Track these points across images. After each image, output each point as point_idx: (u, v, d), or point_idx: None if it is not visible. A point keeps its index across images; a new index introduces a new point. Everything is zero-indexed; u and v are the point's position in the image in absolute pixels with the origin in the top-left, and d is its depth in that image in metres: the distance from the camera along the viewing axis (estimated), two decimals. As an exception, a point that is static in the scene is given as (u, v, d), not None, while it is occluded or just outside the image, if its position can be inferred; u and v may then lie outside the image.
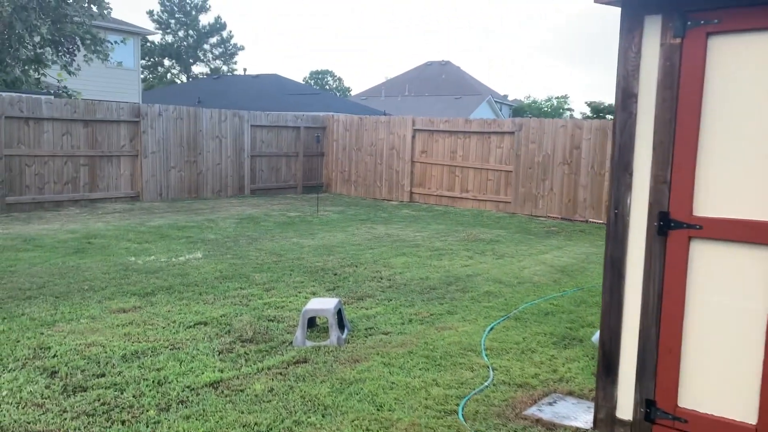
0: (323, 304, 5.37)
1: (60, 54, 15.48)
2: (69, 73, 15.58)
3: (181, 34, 56.65)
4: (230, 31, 62.54)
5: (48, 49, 15.34)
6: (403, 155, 16.07)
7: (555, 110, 68.75)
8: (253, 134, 15.72)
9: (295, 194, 16.75)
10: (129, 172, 13.39)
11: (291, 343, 5.15)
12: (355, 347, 5.10)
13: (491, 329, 5.69)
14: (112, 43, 16.40)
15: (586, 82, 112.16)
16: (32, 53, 14.70)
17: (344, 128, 17.21)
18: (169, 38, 56.37)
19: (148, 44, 55.53)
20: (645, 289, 3.34)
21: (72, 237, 9.55)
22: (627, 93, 3.35)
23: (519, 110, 63.84)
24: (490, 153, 14.72)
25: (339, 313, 5.49)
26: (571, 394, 4.31)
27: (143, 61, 55.76)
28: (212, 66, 58.35)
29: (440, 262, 8.68)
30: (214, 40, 58.07)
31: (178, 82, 54.53)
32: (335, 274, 7.73)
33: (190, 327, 5.51)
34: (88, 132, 12.62)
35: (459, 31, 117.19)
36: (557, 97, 74.32)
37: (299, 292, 6.83)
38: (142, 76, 56.29)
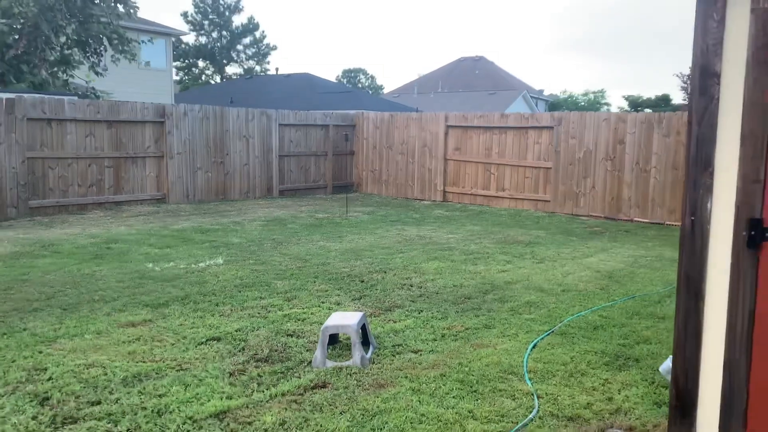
0: (345, 320, 4.83)
1: (87, 54, 15.29)
2: (96, 73, 15.39)
3: (214, 35, 56.91)
4: (263, 31, 62.34)
5: (75, 49, 15.16)
6: (436, 153, 15.46)
7: (592, 105, 67.14)
8: (281, 133, 15.31)
9: (325, 195, 16.29)
10: (154, 174, 13.09)
11: (310, 363, 4.63)
12: (380, 369, 4.55)
13: (534, 346, 5.08)
14: (139, 43, 16.14)
15: (622, 76, 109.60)
16: (59, 54, 14.53)
17: (374, 126, 16.68)
18: (203, 39, 56.70)
19: (183, 46, 55.93)
20: (731, 314, 2.71)
21: (92, 242, 9.22)
22: (706, 73, 2.72)
23: (555, 105, 62.46)
24: (528, 149, 14.02)
25: (363, 328, 4.96)
26: (631, 430, 3.68)
27: (178, 63, 56.21)
28: (245, 66, 58.49)
29: (476, 267, 8.08)
30: (247, 40, 58.17)
31: (212, 83, 54.77)
32: (362, 281, 7.20)
33: (202, 344, 5.03)
34: (112, 133, 12.35)
35: (493, 26, 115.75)
36: (593, 92, 72.64)
37: (322, 302, 6.31)
38: (177, 78, 56.85)
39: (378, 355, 4.84)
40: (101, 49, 15.23)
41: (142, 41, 16.33)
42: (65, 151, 11.72)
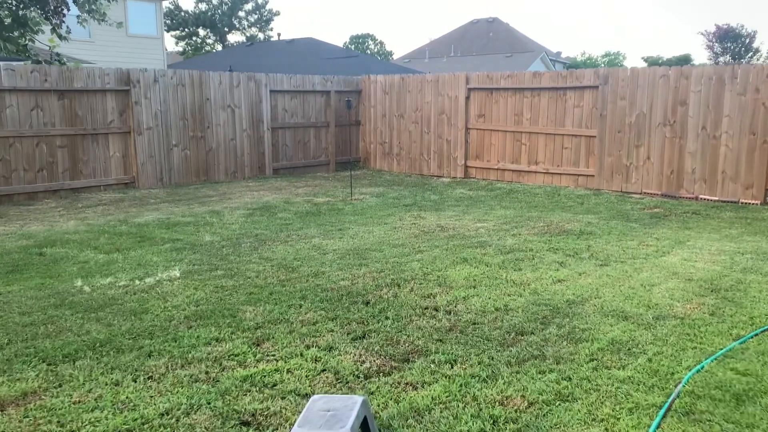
0: (330, 419, 2.76)
1: (47, 15, 13.12)
2: (60, 37, 13.22)
3: (214, 1, 54.29)
4: (265, -3, 59.61)
5: (31, 9, 12.98)
6: (456, 121, 13.23)
7: (611, 66, 64.02)
8: (273, 101, 13.10)
9: (327, 173, 14.13)
10: (120, 154, 10.98)
11: (267, 504, 2.58)
12: None
13: (654, 448, 2.99)
14: (108, 1, 13.91)
15: (640, 36, 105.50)
16: (8, 13, 12.37)
17: (383, 91, 14.42)
18: (203, 6, 54.07)
19: (182, 14, 53.56)
20: None
21: (22, 245, 7.20)
22: None
23: (573, 68, 59.47)
24: (566, 114, 11.75)
25: (364, 424, 2.90)
26: None
27: (177, 32, 53.87)
28: (248, 34, 55.91)
29: (520, 274, 5.98)
30: (248, 6, 55.52)
31: (214, 52, 52.30)
32: (366, 303, 5.13)
33: (92, 452, 3.00)
34: (65, 105, 10.23)
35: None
36: (607, 55, 69.18)
37: (307, 347, 4.25)
38: (179, 49, 54.55)
39: (389, 481, 2.78)
40: (62, 7, 13.03)
41: (110, -1, 14.05)
42: (4, 128, 9.63)
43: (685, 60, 48.24)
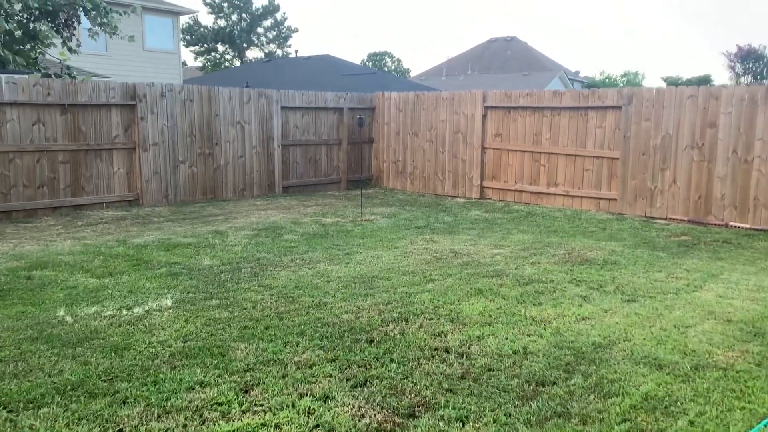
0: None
1: (56, 27, 12.91)
2: (70, 50, 13.00)
3: (234, 17, 54.58)
4: (284, 13, 59.62)
5: (42, 22, 12.79)
6: (472, 140, 12.77)
7: (631, 85, 63.33)
8: (284, 118, 12.74)
9: (338, 191, 13.72)
10: (124, 170, 10.64)
11: None
12: None
13: None
14: (120, 14, 13.69)
15: (659, 56, 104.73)
16: (16, 26, 12.17)
17: (397, 108, 14.02)
18: (222, 22, 54.38)
19: (201, 29, 54.01)
20: None
21: (11, 267, 6.82)
22: None
23: (592, 87, 58.88)
24: (588, 135, 11.25)
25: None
26: None
27: (196, 48, 54.28)
28: (266, 50, 56.11)
29: (540, 309, 5.48)
30: (267, 23, 55.76)
31: (232, 67, 52.43)
32: (370, 342, 4.66)
33: None
34: (68, 120, 9.92)
35: (523, 5, 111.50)
36: (630, 74, 68.49)
37: (301, 395, 3.79)
38: (199, 64, 54.83)
39: None
40: (73, 20, 12.82)
41: (124, 13, 13.81)
42: (4, 143, 9.33)
43: (705, 80, 47.59)
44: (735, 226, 9.74)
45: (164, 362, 4.27)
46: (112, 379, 4.01)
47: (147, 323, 5.05)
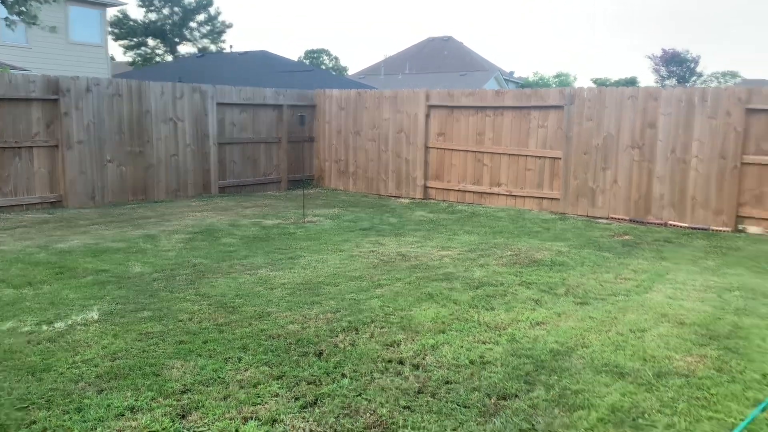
0: None
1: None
2: (-16, 40, 12.04)
3: (165, 11, 52.75)
4: (218, 8, 58.23)
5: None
6: (415, 140, 12.58)
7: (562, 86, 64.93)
8: (220, 115, 12.20)
9: (278, 191, 13.27)
10: (46, 170, 9.88)
11: None
12: None
13: None
14: (41, 3, 12.79)
15: (589, 59, 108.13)
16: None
17: (338, 106, 13.69)
18: (153, 16, 52.47)
19: (131, 23, 51.99)
20: None
21: None
22: None
23: (527, 87, 60.01)
24: (530, 134, 11.24)
25: None
26: None
27: (126, 41, 52.26)
28: (199, 45, 54.50)
29: (493, 314, 5.29)
30: (201, 17, 54.18)
31: (163, 62, 50.66)
32: (319, 356, 4.34)
33: None
34: (-19, 115, 9.14)
35: (460, 6, 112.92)
36: (558, 75, 70.19)
37: (245, 420, 3.43)
38: (129, 59, 52.69)
39: None
40: (-13, 8, 11.90)
41: (42, 1, 12.91)
42: None
43: (631, 82, 49.28)
44: (674, 225, 9.90)
45: (90, 385, 3.82)
46: (27, 407, 3.54)
47: (70, 339, 4.56)
